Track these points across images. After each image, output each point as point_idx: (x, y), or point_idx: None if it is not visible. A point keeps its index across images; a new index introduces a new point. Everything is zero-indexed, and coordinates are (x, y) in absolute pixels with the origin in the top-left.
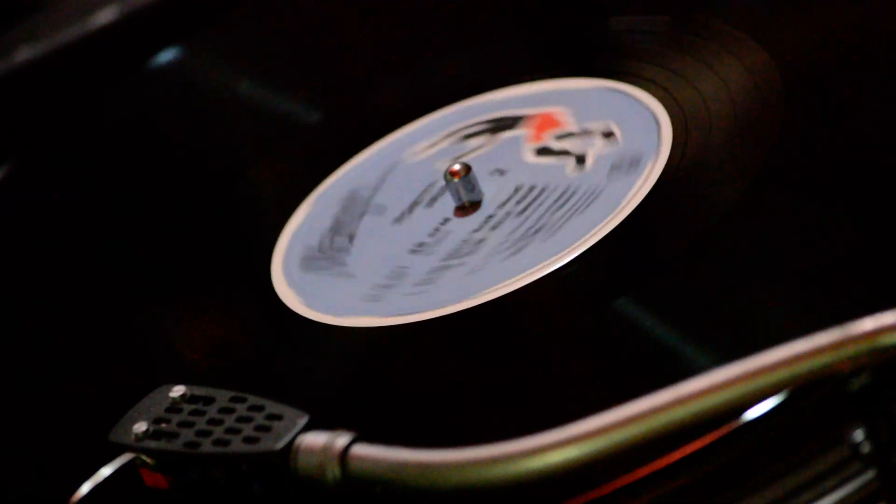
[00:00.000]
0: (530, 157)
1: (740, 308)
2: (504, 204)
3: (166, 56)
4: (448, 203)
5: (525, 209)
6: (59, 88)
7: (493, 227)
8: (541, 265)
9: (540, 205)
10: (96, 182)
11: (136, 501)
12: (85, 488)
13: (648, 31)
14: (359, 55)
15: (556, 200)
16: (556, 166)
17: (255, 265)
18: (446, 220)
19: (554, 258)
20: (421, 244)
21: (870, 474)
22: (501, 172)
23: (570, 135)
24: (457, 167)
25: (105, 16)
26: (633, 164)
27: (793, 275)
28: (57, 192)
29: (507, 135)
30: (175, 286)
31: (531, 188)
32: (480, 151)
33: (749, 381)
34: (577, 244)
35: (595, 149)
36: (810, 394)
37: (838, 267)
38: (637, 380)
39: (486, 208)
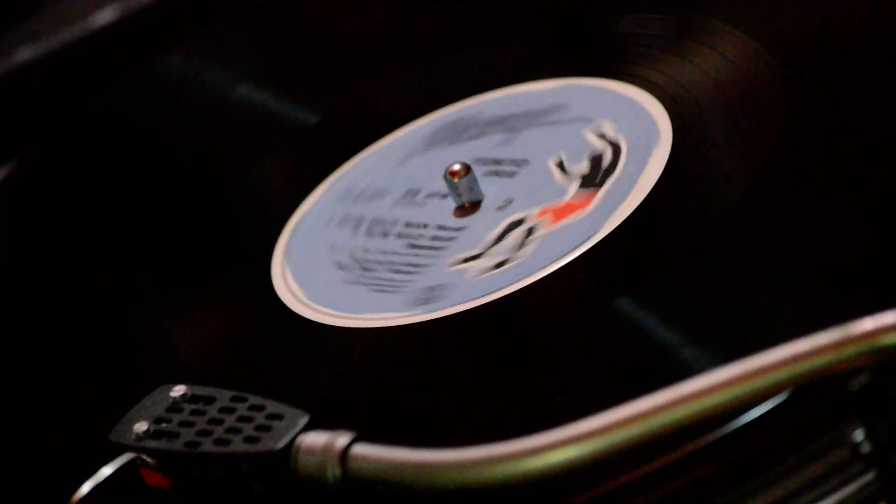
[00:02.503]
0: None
1: (740, 308)
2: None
3: (166, 56)
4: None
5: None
6: (59, 88)
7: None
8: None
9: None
10: (96, 182)
11: (136, 501)
12: (86, 488)
13: (648, 32)
14: (359, 55)
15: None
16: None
17: (256, 265)
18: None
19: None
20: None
21: (870, 474)
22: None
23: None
24: (457, 167)
25: (105, 16)
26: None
27: (793, 275)
28: (57, 192)
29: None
30: (175, 286)
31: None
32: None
33: (749, 381)
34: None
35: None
36: (810, 394)
37: (838, 267)
38: (637, 380)
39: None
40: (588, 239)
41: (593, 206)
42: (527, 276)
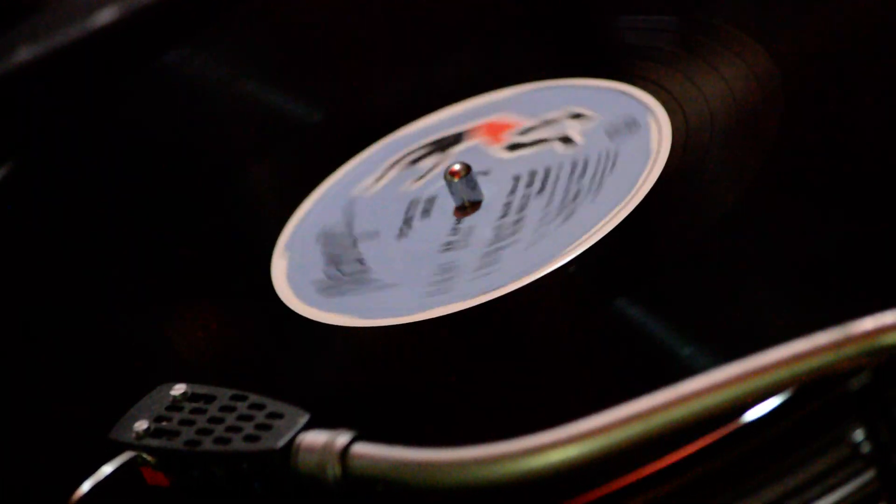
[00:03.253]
0: (504, 155)
1: (740, 308)
2: (512, 192)
3: (166, 56)
4: (444, 210)
5: (543, 188)
6: (59, 88)
7: (521, 209)
8: (602, 222)
9: (557, 180)
10: (96, 182)
11: (136, 500)
12: (86, 486)
13: (648, 32)
14: (360, 54)
15: (572, 172)
16: (541, 152)
17: (256, 264)
18: (460, 220)
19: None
20: (449, 243)
21: (870, 474)
22: (485, 173)
23: (531, 129)
24: (457, 167)
25: (105, 16)
26: (631, 125)
27: (793, 275)
28: (57, 192)
29: (457, 148)
30: (176, 285)
31: (533, 172)
32: (437, 169)
33: (749, 381)
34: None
35: (574, 129)
36: (810, 394)
37: (838, 267)
38: (637, 380)
39: (493, 203)
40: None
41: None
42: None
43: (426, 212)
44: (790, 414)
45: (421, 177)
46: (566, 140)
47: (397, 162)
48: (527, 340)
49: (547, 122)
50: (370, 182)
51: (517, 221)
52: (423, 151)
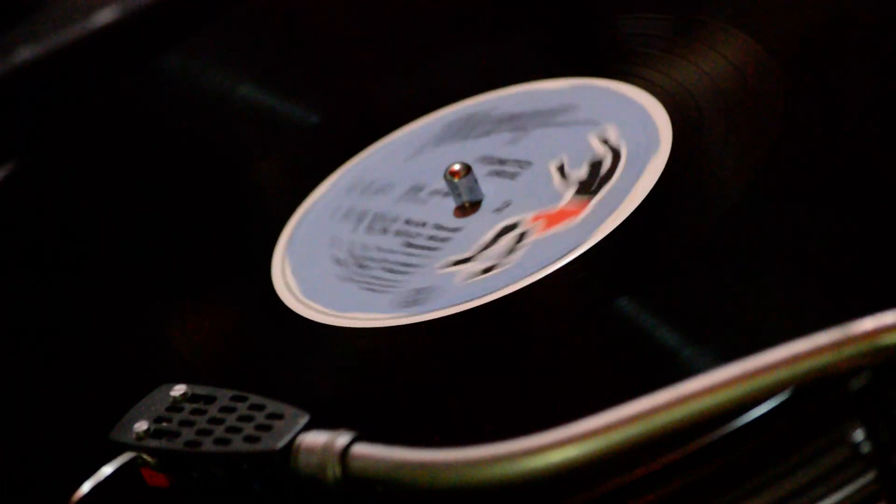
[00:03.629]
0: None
1: (740, 308)
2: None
3: (166, 56)
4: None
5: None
6: (59, 88)
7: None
8: (467, 298)
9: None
10: (96, 182)
11: (137, 500)
12: (86, 487)
13: (647, 33)
14: (359, 55)
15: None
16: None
17: (256, 264)
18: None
19: (570, 250)
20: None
21: (870, 474)
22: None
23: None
24: (457, 167)
25: (105, 16)
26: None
27: (793, 275)
28: (57, 192)
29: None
30: (176, 285)
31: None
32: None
33: (749, 381)
34: (509, 283)
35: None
36: (810, 394)
37: (838, 267)
38: (637, 380)
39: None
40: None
41: (585, 215)
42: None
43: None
44: (790, 414)
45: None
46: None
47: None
48: (527, 340)
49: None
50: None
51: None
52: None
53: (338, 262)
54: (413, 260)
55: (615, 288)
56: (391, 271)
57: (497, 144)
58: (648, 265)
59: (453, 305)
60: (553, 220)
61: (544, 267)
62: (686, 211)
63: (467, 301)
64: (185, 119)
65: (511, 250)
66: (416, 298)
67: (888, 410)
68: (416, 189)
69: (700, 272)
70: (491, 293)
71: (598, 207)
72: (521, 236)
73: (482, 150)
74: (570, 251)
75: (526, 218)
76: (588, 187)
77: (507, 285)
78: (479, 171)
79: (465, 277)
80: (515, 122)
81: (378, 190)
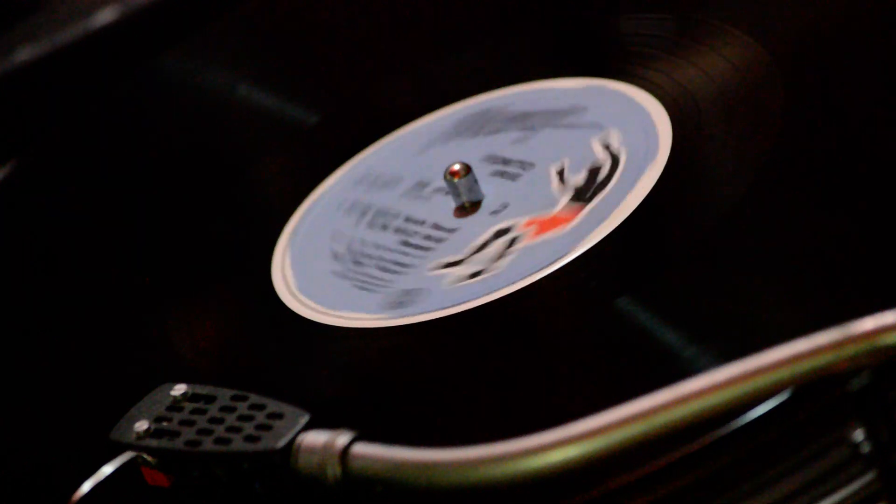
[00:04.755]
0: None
1: (740, 308)
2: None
3: (166, 56)
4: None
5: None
6: (59, 88)
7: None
8: (467, 298)
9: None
10: (96, 182)
11: (137, 500)
12: (86, 487)
13: (648, 33)
14: (359, 55)
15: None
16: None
17: (256, 264)
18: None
19: (556, 259)
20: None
21: (870, 474)
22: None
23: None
24: (457, 167)
25: (105, 16)
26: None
27: (793, 275)
28: (57, 192)
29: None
30: (176, 285)
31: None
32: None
33: (749, 381)
34: (510, 282)
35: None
36: (810, 394)
37: (838, 267)
38: (637, 379)
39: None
40: (560, 258)
41: (576, 223)
42: (525, 276)
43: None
44: (790, 414)
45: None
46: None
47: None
48: (528, 340)
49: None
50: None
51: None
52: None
53: (336, 256)
54: (407, 259)
55: (615, 288)
56: (385, 270)
57: (505, 143)
58: (648, 265)
59: (437, 310)
60: (545, 226)
61: (528, 275)
62: (685, 211)
63: (468, 301)
64: (184, 119)
65: (500, 256)
66: (402, 300)
67: (888, 410)
68: (420, 185)
69: (700, 272)
70: (490, 292)
71: (589, 216)
72: (512, 242)
73: (490, 149)
74: (555, 260)
75: (519, 222)
76: (583, 194)
77: (506, 284)
78: (484, 170)
79: (453, 281)
80: (526, 120)
81: (385, 184)
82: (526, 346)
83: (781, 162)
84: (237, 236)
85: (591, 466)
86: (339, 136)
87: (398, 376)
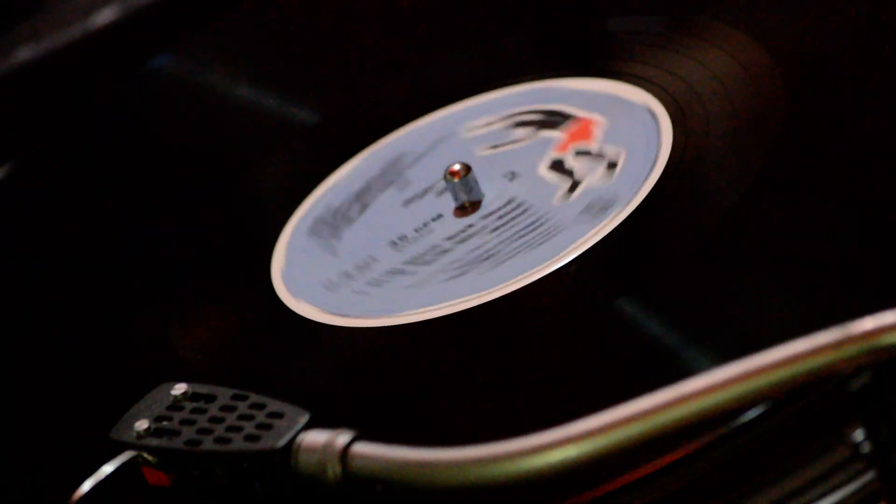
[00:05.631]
0: (542, 170)
1: (740, 308)
2: (490, 215)
3: (166, 56)
4: (447, 207)
5: (498, 227)
6: (59, 88)
7: (462, 241)
8: (467, 297)
9: (511, 227)
10: (96, 182)
11: (137, 499)
12: (86, 486)
13: (649, 33)
14: (359, 55)
15: (525, 227)
16: (552, 187)
17: (256, 265)
18: (438, 217)
19: (483, 292)
20: (402, 237)
21: (870, 474)
22: (512, 177)
23: (587, 153)
24: (457, 167)
25: (105, 16)
26: (601, 210)
27: (793, 275)
28: (57, 192)
29: (546, 134)
30: (176, 285)
31: (519, 205)
32: (513, 146)
33: (749, 381)
34: (510, 282)
35: (590, 180)
36: (810, 394)
37: (838, 267)
38: (637, 379)
39: (480, 212)
40: (561, 257)
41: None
42: (524, 275)
43: (441, 192)
44: (790, 414)
45: (501, 145)
46: (572, 189)
47: (509, 117)
48: (527, 339)
49: (598, 156)
50: (478, 125)
51: (443, 252)
52: (530, 118)
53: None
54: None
55: (615, 288)
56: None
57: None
58: (648, 265)
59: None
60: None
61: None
62: (686, 211)
63: (467, 300)
64: (185, 119)
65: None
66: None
67: (888, 410)
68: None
69: (700, 272)
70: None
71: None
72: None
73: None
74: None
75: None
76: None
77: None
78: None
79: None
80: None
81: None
82: (526, 345)
83: (782, 161)
84: (237, 236)
85: (591, 466)
86: (339, 136)
87: (398, 376)
